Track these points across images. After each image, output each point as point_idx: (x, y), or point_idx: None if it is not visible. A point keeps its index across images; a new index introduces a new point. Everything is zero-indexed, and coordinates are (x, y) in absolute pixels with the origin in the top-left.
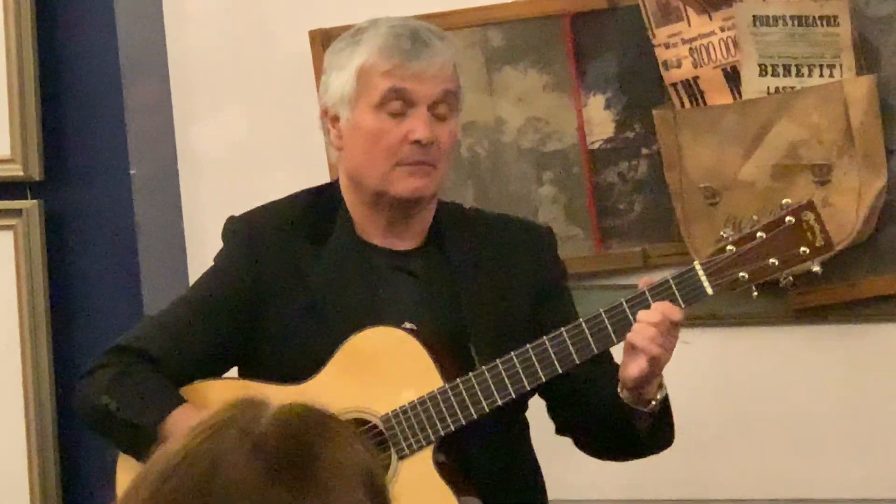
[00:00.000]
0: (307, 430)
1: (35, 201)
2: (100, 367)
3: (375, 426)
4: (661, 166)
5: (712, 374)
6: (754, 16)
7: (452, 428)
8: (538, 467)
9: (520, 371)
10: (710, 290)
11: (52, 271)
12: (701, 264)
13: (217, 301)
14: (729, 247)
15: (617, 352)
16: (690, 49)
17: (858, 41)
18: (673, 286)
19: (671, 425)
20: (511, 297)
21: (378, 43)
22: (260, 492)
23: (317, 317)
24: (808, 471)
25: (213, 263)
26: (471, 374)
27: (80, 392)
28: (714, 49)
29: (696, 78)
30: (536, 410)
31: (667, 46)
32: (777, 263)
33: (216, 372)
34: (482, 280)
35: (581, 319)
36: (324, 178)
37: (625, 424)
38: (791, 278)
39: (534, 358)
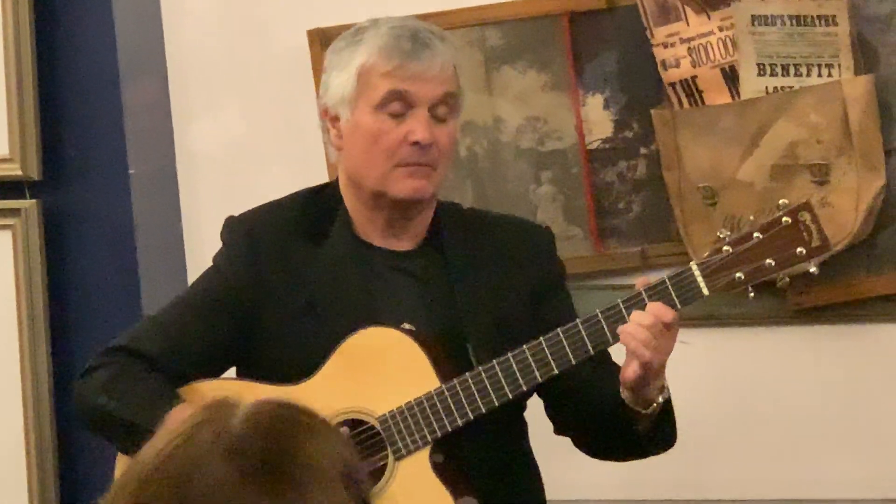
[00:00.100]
0: (280, 427)
1: (33, 201)
2: (97, 368)
3: (372, 426)
4: (660, 166)
5: (711, 374)
6: (753, 15)
7: (449, 428)
8: (536, 467)
9: (516, 372)
10: (706, 291)
11: (50, 271)
12: (697, 265)
13: (215, 301)
14: (725, 247)
15: (618, 352)
16: (689, 49)
17: (857, 41)
18: (669, 287)
19: (673, 427)
20: (509, 297)
21: (379, 43)
22: (236, 494)
23: (315, 316)
24: (806, 471)
25: (211, 263)
26: (467, 374)
27: (77, 392)
28: (712, 49)
29: (694, 77)
30: (535, 410)
31: (665, 46)
32: (773, 264)
33: (214, 372)
34: (480, 280)
35: (577, 320)
36: (322, 178)
37: (624, 425)
38: (788, 279)
39: (530, 359)
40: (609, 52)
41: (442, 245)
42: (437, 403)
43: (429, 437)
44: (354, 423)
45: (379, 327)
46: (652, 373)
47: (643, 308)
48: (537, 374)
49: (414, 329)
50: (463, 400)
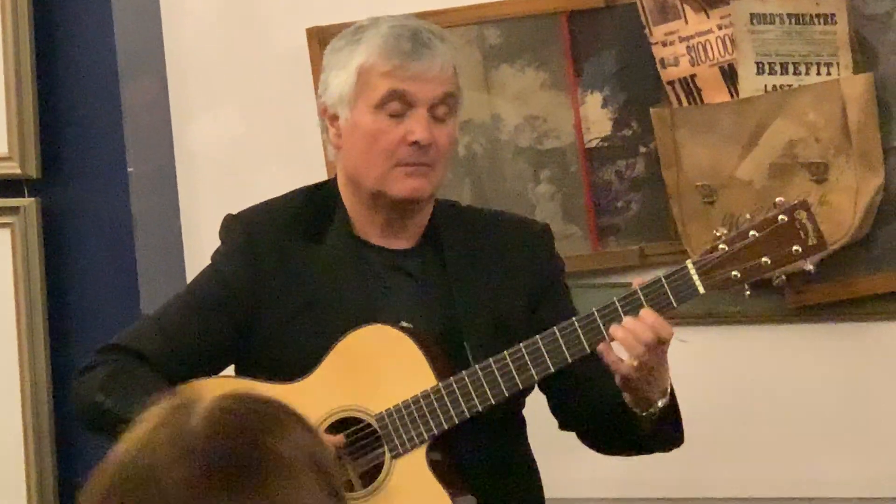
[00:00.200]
0: (239, 422)
1: (32, 199)
2: (94, 366)
3: (369, 425)
4: (659, 165)
5: (709, 372)
6: (751, 14)
7: (446, 427)
8: (535, 465)
9: (513, 370)
10: (701, 289)
11: (49, 269)
12: (693, 263)
13: (214, 299)
14: (721, 245)
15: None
16: (688, 47)
17: (856, 39)
18: (665, 285)
19: (678, 428)
20: (507, 295)
21: (378, 43)
22: (198, 496)
23: (313, 315)
24: (804, 469)
25: (210, 261)
26: (464, 372)
27: (74, 390)
28: (711, 47)
29: (693, 76)
30: (534, 408)
31: (664, 44)
32: (769, 262)
33: (212, 370)
34: (478, 279)
35: (574, 318)
36: (321, 176)
37: (626, 423)
38: (784, 277)
39: (527, 357)
40: (608, 51)
41: (440, 244)
42: (435, 402)
43: (426, 436)
44: (351, 422)
45: (376, 325)
46: (642, 384)
47: (640, 306)
48: (534, 372)
49: (412, 327)
50: (460, 398)
